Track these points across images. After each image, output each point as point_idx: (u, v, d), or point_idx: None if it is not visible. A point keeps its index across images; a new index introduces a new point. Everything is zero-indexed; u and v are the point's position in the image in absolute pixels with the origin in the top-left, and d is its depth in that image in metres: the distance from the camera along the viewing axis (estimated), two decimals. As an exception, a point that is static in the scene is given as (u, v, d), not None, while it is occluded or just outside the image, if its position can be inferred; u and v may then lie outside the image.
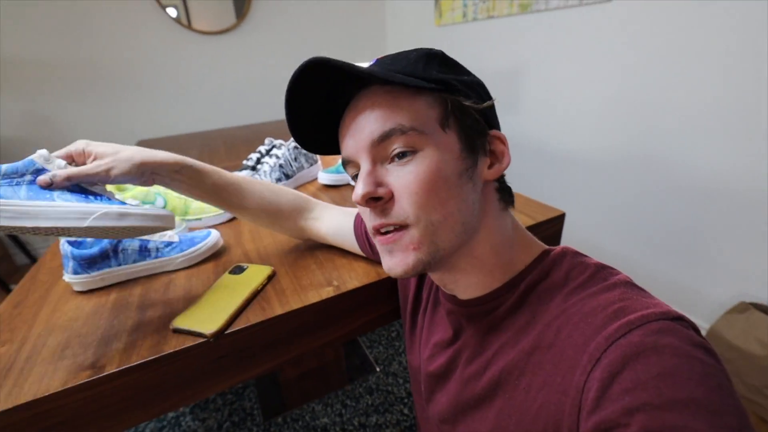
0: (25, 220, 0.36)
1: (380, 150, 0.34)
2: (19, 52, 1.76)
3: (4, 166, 0.38)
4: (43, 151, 0.40)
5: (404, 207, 0.33)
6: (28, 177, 0.38)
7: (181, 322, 0.48)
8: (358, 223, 0.59)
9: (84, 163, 0.42)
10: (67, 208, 0.37)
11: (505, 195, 0.39)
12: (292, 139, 0.98)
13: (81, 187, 0.41)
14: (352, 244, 0.61)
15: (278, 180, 0.91)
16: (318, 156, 1.04)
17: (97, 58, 1.91)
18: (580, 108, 1.51)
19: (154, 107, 2.11)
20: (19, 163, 0.38)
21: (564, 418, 0.27)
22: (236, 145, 1.52)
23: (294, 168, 0.95)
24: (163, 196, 0.76)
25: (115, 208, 0.39)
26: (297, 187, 0.95)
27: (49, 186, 0.39)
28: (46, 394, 0.39)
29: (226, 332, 0.47)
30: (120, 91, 2.00)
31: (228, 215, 0.77)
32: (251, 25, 2.21)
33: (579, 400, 0.26)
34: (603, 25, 1.36)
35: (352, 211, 0.62)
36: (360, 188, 0.33)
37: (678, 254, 1.32)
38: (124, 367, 0.42)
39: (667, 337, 0.25)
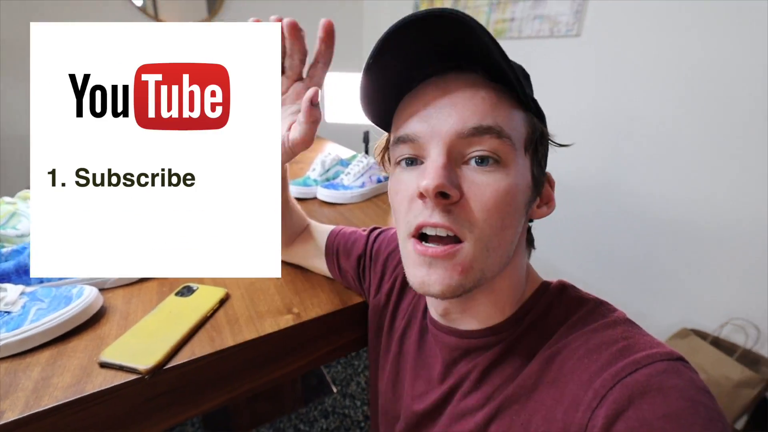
0: None
1: (461, 145, 0.30)
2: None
3: None
4: None
5: (473, 216, 0.29)
6: None
7: (111, 354, 0.41)
8: (332, 240, 0.55)
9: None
10: None
11: (530, 235, 0.39)
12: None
13: None
14: (315, 260, 0.57)
15: (240, 189, 0.85)
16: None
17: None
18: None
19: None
20: None
21: None
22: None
23: (259, 177, 0.90)
24: (28, 218, 0.55)
25: (13, 338, 0.41)
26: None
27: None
28: None
29: (166, 367, 0.41)
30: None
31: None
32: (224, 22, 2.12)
33: None
34: (572, 57, 1.43)
35: (324, 228, 0.58)
36: (432, 179, 0.28)
37: (627, 279, 1.39)
38: (31, 412, 0.35)
39: (673, 379, 0.25)
